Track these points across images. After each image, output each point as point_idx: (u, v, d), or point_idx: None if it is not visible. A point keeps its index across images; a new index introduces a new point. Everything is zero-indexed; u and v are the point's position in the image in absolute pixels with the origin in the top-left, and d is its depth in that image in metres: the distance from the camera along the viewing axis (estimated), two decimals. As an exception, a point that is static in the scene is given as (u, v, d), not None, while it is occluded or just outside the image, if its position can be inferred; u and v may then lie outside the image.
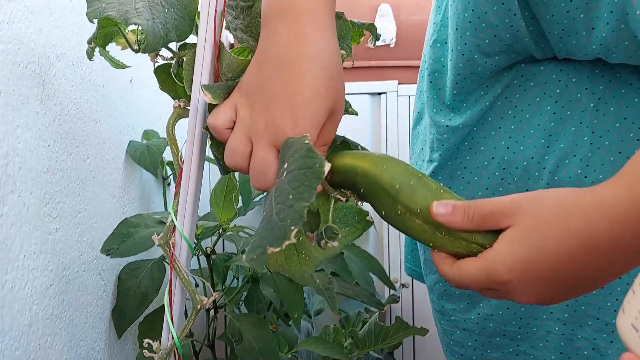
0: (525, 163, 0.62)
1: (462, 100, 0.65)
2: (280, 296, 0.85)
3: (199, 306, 0.55)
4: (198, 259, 1.05)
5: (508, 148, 0.63)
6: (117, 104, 0.94)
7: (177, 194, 0.55)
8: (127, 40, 0.58)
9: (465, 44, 0.62)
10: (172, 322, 0.54)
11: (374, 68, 1.60)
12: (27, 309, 0.64)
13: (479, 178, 0.65)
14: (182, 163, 0.54)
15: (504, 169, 0.64)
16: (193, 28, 0.57)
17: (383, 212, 0.50)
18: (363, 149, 0.55)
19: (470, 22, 0.61)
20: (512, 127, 0.64)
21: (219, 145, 0.51)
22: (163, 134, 1.08)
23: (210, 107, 0.50)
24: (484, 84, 0.64)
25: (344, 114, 0.58)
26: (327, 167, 0.41)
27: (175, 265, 0.54)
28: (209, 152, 0.55)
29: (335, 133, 0.51)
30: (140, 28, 0.51)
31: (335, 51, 0.48)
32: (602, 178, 0.58)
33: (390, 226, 1.58)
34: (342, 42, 0.57)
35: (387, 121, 1.56)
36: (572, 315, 0.64)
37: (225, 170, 0.52)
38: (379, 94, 1.57)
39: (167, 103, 0.57)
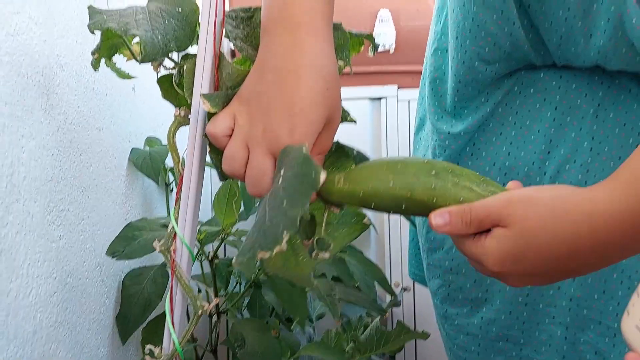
0: (526, 168, 0.63)
1: (463, 107, 0.66)
2: (282, 299, 0.85)
3: (200, 311, 0.56)
4: (201, 264, 1.05)
5: (509, 154, 0.64)
6: (120, 111, 0.94)
7: (177, 200, 0.55)
8: (131, 52, 0.58)
9: (466, 52, 0.62)
10: (174, 328, 0.55)
11: (373, 73, 1.60)
12: (31, 316, 0.64)
13: (480, 184, 0.66)
14: (183, 170, 0.55)
15: (505, 174, 0.64)
16: (194, 38, 0.57)
17: (391, 212, 0.50)
18: (359, 153, 0.55)
19: (470, 30, 0.61)
20: (513, 133, 0.64)
21: (217, 152, 0.51)
22: (165, 141, 1.08)
23: (210, 116, 0.51)
24: (484, 91, 0.65)
25: (343, 122, 0.58)
26: (323, 176, 0.41)
27: (177, 271, 0.54)
28: (210, 158, 0.55)
29: (332, 141, 0.52)
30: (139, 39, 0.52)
31: (332, 61, 0.49)
32: (602, 184, 0.59)
33: (391, 230, 1.59)
34: (341, 53, 0.58)
35: (386, 126, 1.57)
36: (575, 319, 0.64)
37: (223, 176, 0.52)
38: (379, 98, 1.58)
39: (168, 110, 0.58)
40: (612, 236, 0.43)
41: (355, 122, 0.59)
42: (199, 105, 0.52)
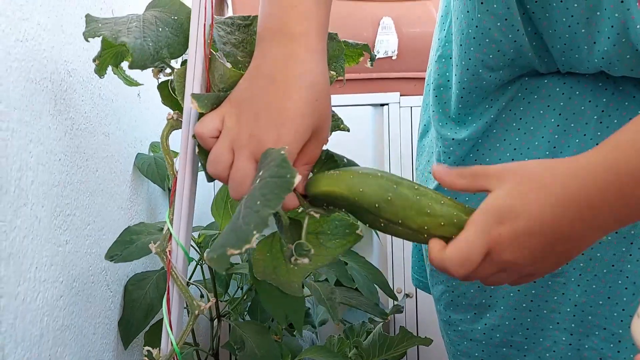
0: (529, 174, 0.64)
1: (468, 113, 0.66)
2: (268, 302, 0.83)
3: (197, 311, 0.56)
4: (202, 268, 1.05)
5: (513, 160, 0.64)
6: (126, 117, 0.95)
7: (172, 203, 0.56)
8: (133, 59, 0.59)
9: (470, 59, 0.63)
10: (171, 329, 0.55)
11: (376, 80, 1.61)
12: (38, 320, 0.64)
13: (485, 190, 0.66)
14: (177, 173, 0.56)
15: (509, 180, 0.65)
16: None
17: (368, 224, 0.52)
18: (349, 161, 0.56)
19: (474, 37, 0.62)
20: (517, 139, 0.64)
21: (205, 154, 0.52)
22: (172, 146, 1.09)
23: (200, 117, 0.52)
24: (488, 98, 0.65)
25: (336, 130, 0.59)
26: (298, 178, 0.42)
27: (173, 273, 0.55)
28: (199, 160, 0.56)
29: (320, 152, 0.53)
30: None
31: (323, 73, 0.50)
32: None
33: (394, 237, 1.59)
34: (335, 63, 0.59)
35: (389, 132, 1.57)
36: (579, 325, 0.65)
37: (210, 178, 0.53)
38: (381, 105, 1.58)
39: (173, 117, 0.58)
40: (598, 194, 0.44)
41: (348, 130, 0.60)
42: (190, 108, 0.53)
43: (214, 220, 1.07)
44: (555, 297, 0.65)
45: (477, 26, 0.61)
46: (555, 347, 0.66)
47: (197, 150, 0.54)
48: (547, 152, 0.63)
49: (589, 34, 0.56)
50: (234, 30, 0.57)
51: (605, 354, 0.63)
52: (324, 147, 0.54)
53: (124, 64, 0.64)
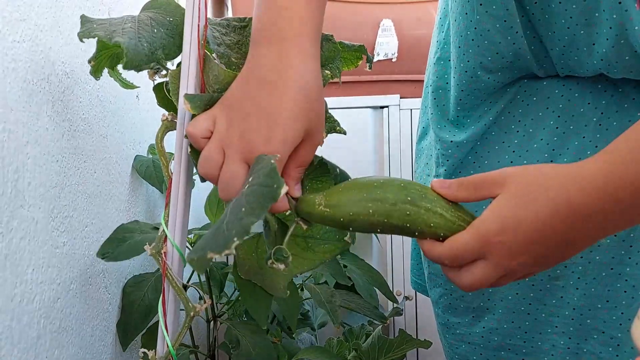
0: (528, 177, 0.63)
1: (466, 116, 0.66)
2: (250, 301, 0.81)
3: (192, 313, 0.56)
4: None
5: (511, 162, 0.64)
6: (124, 119, 0.95)
7: (167, 204, 0.56)
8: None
9: (468, 61, 0.63)
10: (167, 330, 0.55)
11: (376, 82, 1.61)
12: (35, 322, 0.64)
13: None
14: (172, 174, 0.55)
15: (508, 183, 0.64)
16: None
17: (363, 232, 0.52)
18: (341, 172, 0.56)
19: (472, 39, 0.62)
20: (516, 141, 0.64)
21: (197, 154, 0.52)
22: (168, 148, 1.09)
23: (194, 118, 0.52)
24: (487, 100, 0.65)
25: (332, 133, 0.59)
26: (284, 189, 0.42)
27: (168, 274, 0.55)
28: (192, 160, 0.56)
29: (313, 156, 0.53)
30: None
31: (315, 76, 0.50)
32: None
33: (393, 238, 1.58)
34: (331, 64, 0.59)
35: (389, 134, 1.57)
36: (578, 329, 0.64)
37: (203, 178, 0.53)
38: (381, 107, 1.58)
39: (172, 119, 0.58)
40: (601, 201, 0.45)
41: (344, 132, 0.60)
42: (185, 109, 0.53)
43: (210, 222, 1.07)
44: (554, 301, 0.65)
45: (475, 28, 0.61)
46: (554, 351, 0.66)
47: (189, 150, 0.53)
48: (546, 155, 0.63)
49: (588, 35, 0.56)
50: (229, 31, 0.57)
51: (604, 358, 0.63)
52: (324, 149, 0.54)
53: (122, 67, 0.63)
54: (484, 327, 0.69)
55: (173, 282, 0.55)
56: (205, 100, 0.51)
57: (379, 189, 0.49)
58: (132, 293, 0.90)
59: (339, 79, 0.60)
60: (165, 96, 0.57)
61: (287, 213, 0.52)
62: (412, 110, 1.56)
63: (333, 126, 0.58)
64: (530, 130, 0.63)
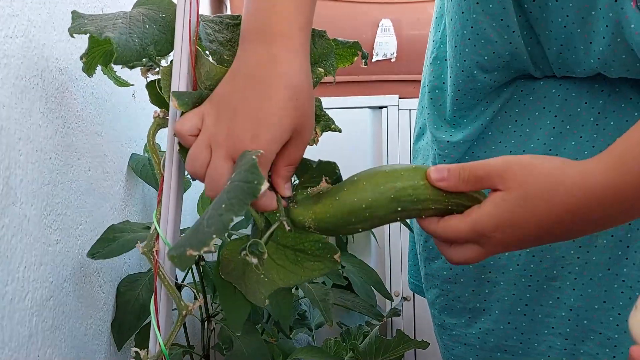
0: (525, 177, 0.63)
1: (463, 115, 0.66)
2: (225, 303, 0.78)
3: (184, 312, 0.55)
4: (191, 269, 1.04)
5: (508, 162, 0.64)
6: (120, 117, 0.94)
7: (159, 202, 0.55)
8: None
9: (465, 60, 0.62)
10: (159, 329, 0.55)
11: (375, 82, 1.60)
12: (27, 320, 0.63)
13: (479, 192, 0.66)
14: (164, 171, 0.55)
15: (505, 182, 0.64)
16: None
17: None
18: (337, 179, 0.55)
19: (469, 39, 0.61)
20: (513, 141, 0.64)
21: (185, 152, 0.52)
22: (164, 146, 1.08)
23: (182, 115, 0.51)
24: (484, 100, 0.64)
25: (327, 131, 0.58)
26: (265, 186, 0.42)
27: (160, 273, 0.54)
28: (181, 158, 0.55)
29: (302, 154, 0.52)
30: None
31: (304, 73, 0.50)
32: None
33: (392, 239, 1.58)
34: (325, 61, 0.58)
35: (388, 135, 1.57)
36: (574, 330, 0.64)
37: (192, 177, 0.53)
38: (380, 107, 1.58)
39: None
40: (601, 207, 0.45)
41: (340, 131, 0.59)
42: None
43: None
44: (551, 302, 0.64)
45: (472, 27, 0.60)
46: (550, 352, 0.65)
47: (178, 148, 0.53)
48: (543, 154, 0.62)
49: (585, 33, 0.55)
50: (222, 28, 0.57)
51: (601, 359, 0.62)
52: (322, 149, 0.53)
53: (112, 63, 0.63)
54: (480, 328, 0.69)
55: (165, 280, 0.54)
56: (194, 98, 0.51)
57: (368, 209, 0.49)
58: (126, 292, 0.90)
59: (334, 77, 0.59)
60: (158, 93, 0.56)
61: (278, 215, 0.51)
62: (411, 111, 1.55)
63: (327, 124, 0.58)
64: (527, 130, 0.63)
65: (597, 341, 0.63)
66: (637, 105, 0.58)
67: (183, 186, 0.57)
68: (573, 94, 0.61)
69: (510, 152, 0.64)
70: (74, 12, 0.58)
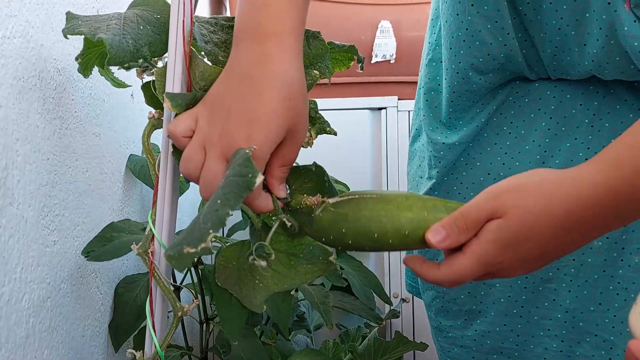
0: (521, 179, 0.63)
1: (458, 117, 0.66)
2: (221, 310, 0.78)
3: (179, 313, 0.55)
4: (190, 271, 1.04)
5: (504, 164, 0.64)
6: (118, 118, 0.94)
7: (154, 203, 0.55)
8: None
9: (460, 62, 0.62)
10: (154, 331, 0.55)
11: (374, 83, 1.60)
12: (24, 321, 0.64)
13: (475, 193, 0.65)
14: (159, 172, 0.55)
15: (500, 184, 0.64)
16: None
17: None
18: (330, 185, 0.55)
19: (464, 40, 0.61)
20: (508, 143, 0.64)
21: (179, 154, 0.51)
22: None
23: (176, 117, 0.51)
24: (479, 101, 0.64)
25: (322, 134, 0.58)
26: (260, 178, 0.41)
27: (155, 274, 0.54)
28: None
29: (297, 154, 0.52)
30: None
31: (297, 73, 0.50)
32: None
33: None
34: (320, 63, 0.58)
35: (387, 136, 1.57)
36: (570, 332, 0.64)
37: (187, 179, 0.52)
38: (379, 109, 1.58)
39: (165, 117, 0.58)
40: (597, 214, 0.45)
41: (335, 133, 0.59)
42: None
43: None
44: (546, 303, 0.64)
45: (467, 29, 0.61)
46: (546, 354, 0.65)
47: (171, 150, 0.53)
48: (538, 156, 0.62)
49: (579, 35, 0.56)
50: (217, 30, 0.57)
51: (596, 361, 0.62)
52: (322, 150, 0.53)
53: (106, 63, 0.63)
54: (476, 330, 0.69)
55: (160, 282, 0.54)
56: (187, 99, 0.51)
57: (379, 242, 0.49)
58: (124, 293, 0.90)
59: (329, 80, 0.59)
60: (153, 94, 0.56)
61: (274, 218, 0.51)
62: (410, 112, 1.55)
63: (322, 127, 0.58)
64: (522, 131, 0.63)
65: (592, 343, 0.63)
66: (632, 107, 0.59)
67: (179, 187, 0.57)
68: (568, 96, 0.61)
69: (506, 153, 0.64)
70: (68, 14, 0.58)
